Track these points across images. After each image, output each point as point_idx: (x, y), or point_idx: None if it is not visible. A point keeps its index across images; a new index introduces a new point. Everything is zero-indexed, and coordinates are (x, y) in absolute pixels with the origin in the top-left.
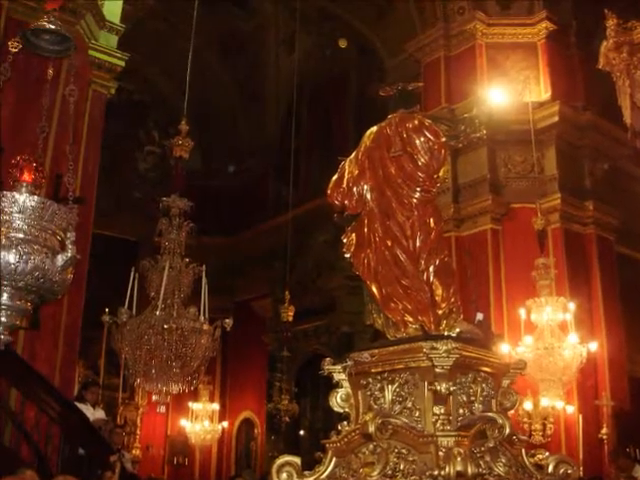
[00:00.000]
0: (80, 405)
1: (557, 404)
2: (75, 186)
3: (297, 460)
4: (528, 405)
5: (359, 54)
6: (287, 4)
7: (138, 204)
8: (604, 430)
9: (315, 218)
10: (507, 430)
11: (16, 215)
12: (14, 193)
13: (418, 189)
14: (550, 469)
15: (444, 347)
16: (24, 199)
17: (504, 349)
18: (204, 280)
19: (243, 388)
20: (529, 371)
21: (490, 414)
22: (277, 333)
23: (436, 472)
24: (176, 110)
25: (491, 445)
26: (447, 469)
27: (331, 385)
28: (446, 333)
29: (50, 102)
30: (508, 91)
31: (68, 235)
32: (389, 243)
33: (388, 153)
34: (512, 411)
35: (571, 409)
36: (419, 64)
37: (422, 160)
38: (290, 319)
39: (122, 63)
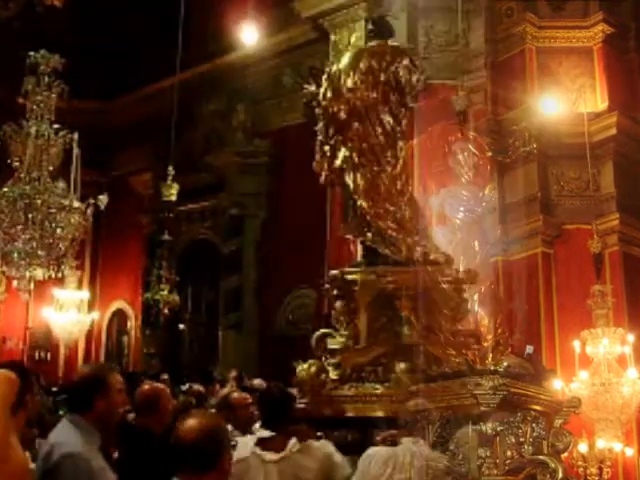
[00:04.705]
0: None
1: (615, 446)
2: None
3: None
4: (583, 447)
5: None
6: None
7: None
8: None
9: (206, 84)
10: (560, 475)
11: None
12: None
13: None
14: None
15: (490, 383)
16: None
17: (556, 385)
18: (76, 150)
19: (116, 275)
20: (584, 409)
21: (541, 457)
22: (157, 213)
23: None
24: None
25: None
26: None
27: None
28: (492, 368)
29: None
30: (561, 100)
31: None
32: None
33: None
34: (565, 454)
35: (630, 451)
36: None
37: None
38: (173, 198)
39: None
